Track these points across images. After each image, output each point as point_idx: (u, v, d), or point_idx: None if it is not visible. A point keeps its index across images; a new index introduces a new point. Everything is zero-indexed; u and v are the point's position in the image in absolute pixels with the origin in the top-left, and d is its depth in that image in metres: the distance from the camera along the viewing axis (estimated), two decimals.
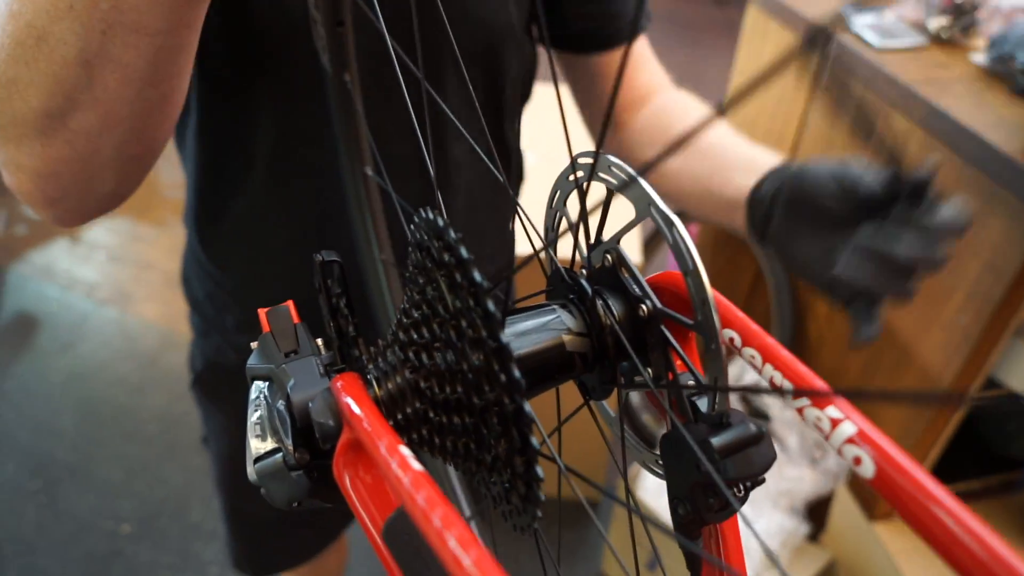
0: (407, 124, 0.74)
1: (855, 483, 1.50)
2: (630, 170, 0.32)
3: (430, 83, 0.72)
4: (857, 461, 0.23)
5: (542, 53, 0.85)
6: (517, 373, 0.26)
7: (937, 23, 1.38)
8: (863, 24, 1.41)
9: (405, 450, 0.25)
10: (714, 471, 0.28)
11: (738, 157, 0.73)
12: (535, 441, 0.27)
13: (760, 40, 1.71)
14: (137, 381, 2.26)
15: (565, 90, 0.90)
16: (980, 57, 1.31)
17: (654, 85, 0.86)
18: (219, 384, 0.94)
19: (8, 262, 2.68)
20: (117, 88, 0.46)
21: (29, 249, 2.75)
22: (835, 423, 0.23)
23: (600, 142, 0.28)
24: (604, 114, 0.87)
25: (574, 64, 0.86)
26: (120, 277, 2.64)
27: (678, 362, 0.33)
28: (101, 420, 2.14)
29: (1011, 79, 1.24)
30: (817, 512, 1.57)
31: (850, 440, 0.23)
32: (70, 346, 2.37)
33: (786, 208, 0.62)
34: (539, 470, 0.28)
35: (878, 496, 1.40)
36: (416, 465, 0.24)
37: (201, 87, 0.71)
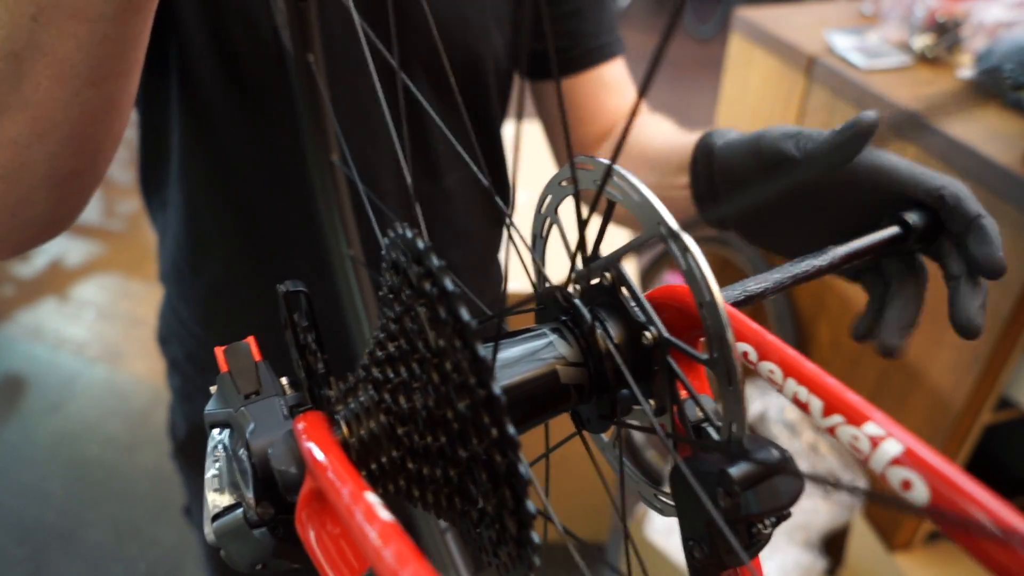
0: (394, 159, 0.71)
1: (872, 512, 1.44)
2: (637, 183, 0.29)
3: (416, 108, 0.69)
4: (906, 486, 0.19)
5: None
6: (512, 429, 0.23)
7: (921, 42, 1.38)
8: (848, 46, 1.41)
9: (372, 497, 0.21)
10: (715, 510, 0.24)
11: (680, 153, 0.61)
12: (531, 505, 0.23)
13: (745, 68, 1.70)
14: (128, 439, 2.20)
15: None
16: (967, 73, 1.30)
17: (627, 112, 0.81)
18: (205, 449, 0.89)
19: None
20: (51, 87, 0.38)
21: (16, 309, 2.70)
22: (875, 442, 0.20)
23: (618, 149, 0.24)
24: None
25: (539, 89, 0.81)
26: (110, 335, 2.59)
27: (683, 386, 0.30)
28: (91, 481, 2.08)
29: (1000, 92, 1.23)
30: (834, 545, 1.51)
31: (896, 461, 0.19)
32: (59, 406, 2.31)
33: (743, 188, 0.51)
34: (535, 535, 0.24)
35: (899, 525, 1.35)
36: (384, 515, 0.20)
37: (182, 128, 0.67)
